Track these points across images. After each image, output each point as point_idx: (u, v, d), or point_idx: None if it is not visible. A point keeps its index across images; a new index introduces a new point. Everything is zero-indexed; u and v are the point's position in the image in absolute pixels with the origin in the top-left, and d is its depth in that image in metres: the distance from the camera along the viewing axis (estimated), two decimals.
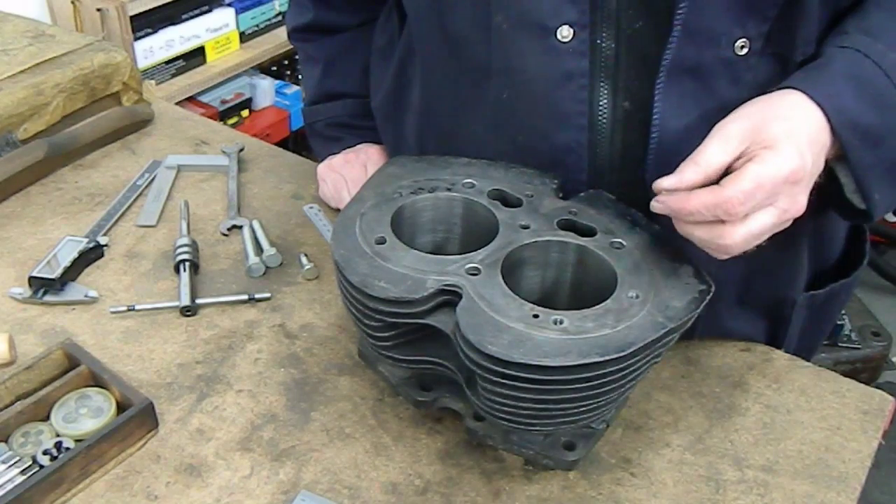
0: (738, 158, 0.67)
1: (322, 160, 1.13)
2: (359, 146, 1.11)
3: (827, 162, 0.73)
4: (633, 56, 0.75)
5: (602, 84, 0.77)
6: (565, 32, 0.74)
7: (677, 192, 0.67)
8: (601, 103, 0.78)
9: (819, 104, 0.68)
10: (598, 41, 0.75)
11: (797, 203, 0.67)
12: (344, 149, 1.11)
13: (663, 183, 0.68)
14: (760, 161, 0.65)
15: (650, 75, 0.74)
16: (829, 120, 0.69)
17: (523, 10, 0.75)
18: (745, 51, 0.72)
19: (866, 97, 0.70)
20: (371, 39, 1.05)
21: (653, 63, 0.73)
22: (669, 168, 0.69)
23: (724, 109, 0.74)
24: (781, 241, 0.86)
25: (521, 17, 0.76)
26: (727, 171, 0.67)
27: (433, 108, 0.91)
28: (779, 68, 0.74)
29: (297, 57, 2.67)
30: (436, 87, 0.89)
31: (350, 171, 1.08)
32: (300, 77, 2.70)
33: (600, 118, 0.78)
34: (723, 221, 0.66)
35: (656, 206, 0.69)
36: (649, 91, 0.74)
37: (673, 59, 0.72)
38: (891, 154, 0.72)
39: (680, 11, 0.70)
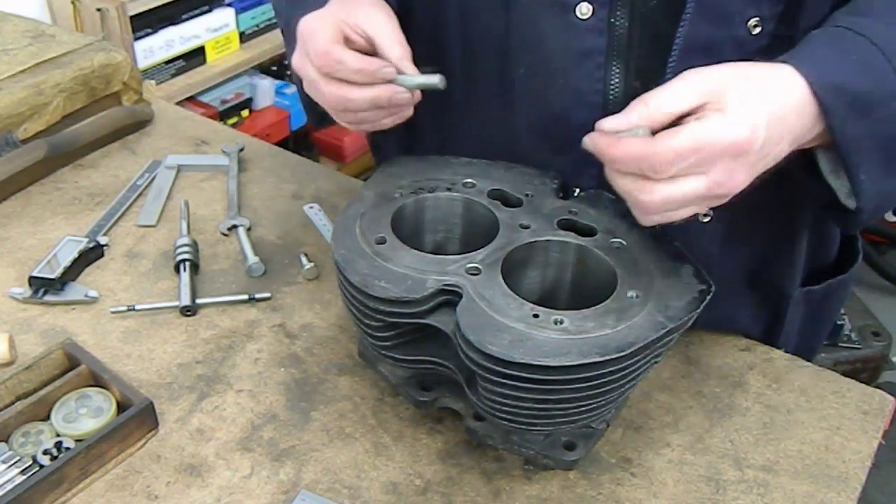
0: (690, 114, 0.62)
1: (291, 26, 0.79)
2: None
3: (812, 151, 0.69)
4: (645, 35, 0.75)
5: (614, 63, 0.77)
6: (584, 10, 0.74)
7: (610, 133, 0.63)
8: (613, 82, 0.78)
9: (800, 71, 0.64)
10: (612, 19, 0.75)
11: (734, 179, 0.61)
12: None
13: (606, 124, 0.64)
14: (705, 121, 0.60)
15: (662, 54, 0.73)
16: (812, 88, 0.63)
17: None
18: (758, 30, 0.72)
19: (850, 61, 0.65)
20: None
21: (665, 42, 0.73)
22: None
23: None
24: (781, 232, 0.85)
25: None
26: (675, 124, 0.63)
27: (447, 87, 0.90)
28: (791, 49, 0.73)
29: None
30: (451, 65, 0.88)
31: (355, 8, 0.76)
32: None
33: (612, 97, 0.78)
34: (647, 176, 0.62)
35: (586, 142, 0.65)
36: (660, 70, 0.74)
37: (686, 37, 0.72)
38: (881, 126, 0.65)
39: None
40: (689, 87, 0.62)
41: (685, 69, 0.71)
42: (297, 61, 0.75)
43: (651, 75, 0.75)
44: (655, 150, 0.60)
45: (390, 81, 0.74)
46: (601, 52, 0.76)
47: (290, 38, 0.81)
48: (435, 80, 0.75)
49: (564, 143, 0.81)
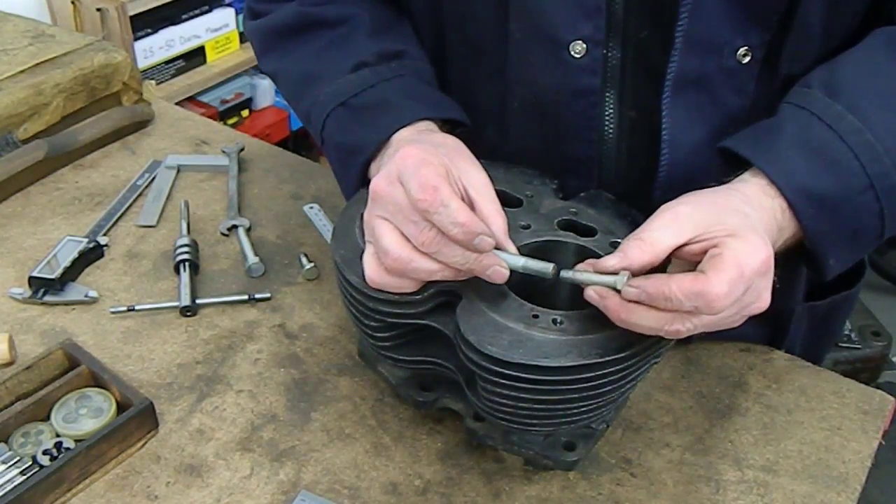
0: (687, 244, 0.62)
1: (359, 160, 0.77)
2: (427, 122, 0.76)
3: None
4: (638, 66, 0.75)
5: (608, 94, 0.77)
6: (578, 49, 0.73)
7: (649, 276, 0.60)
8: (608, 113, 0.78)
9: (770, 178, 0.66)
10: (605, 51, 0.75)
11: (761, 298, 0.61)
12: (412, 121, 0.75)
13: (608, 262, 0.62)
14: (731, 247, 0.59)
15: (656, 85, 0.73)
16: (780, 190, 0.65)
17: (537, 23, 0.74)
18: (748, 59, 0.72)
19: (819, 162, 0.66)
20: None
21: (658, 74, 0.73)
22: (680, 183, 0.68)
23: (731, 120, 0.74)
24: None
25: (534, 28, 0.75)
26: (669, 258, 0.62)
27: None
28: (783, 78, 0.73)
29: None
30: (450, 91, 0.88)
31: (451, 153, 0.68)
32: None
33: (607, 128, 0.78)
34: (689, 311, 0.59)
35: (630, 291, 0.60)
36: (655, 100, 0.74)
37: (677, 70, 0.72)
38: (848, 222, 0.68)
39: (681, 22, 0.70)
40: (680, 219, 0.62)
41: (680, 103, 0.72)
42: (385, 185, 0.64)
43: (645, 106, 0.75)
44: (712, 290, 0.57)
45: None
46: (595, 91, 0.75)
47: (353, 112, 0.78)
48: (548, 269, 0.64)
49: (561, 172, 0.81)
